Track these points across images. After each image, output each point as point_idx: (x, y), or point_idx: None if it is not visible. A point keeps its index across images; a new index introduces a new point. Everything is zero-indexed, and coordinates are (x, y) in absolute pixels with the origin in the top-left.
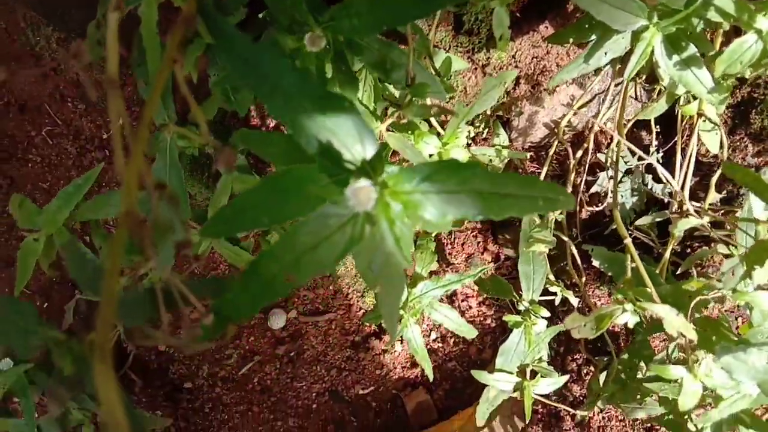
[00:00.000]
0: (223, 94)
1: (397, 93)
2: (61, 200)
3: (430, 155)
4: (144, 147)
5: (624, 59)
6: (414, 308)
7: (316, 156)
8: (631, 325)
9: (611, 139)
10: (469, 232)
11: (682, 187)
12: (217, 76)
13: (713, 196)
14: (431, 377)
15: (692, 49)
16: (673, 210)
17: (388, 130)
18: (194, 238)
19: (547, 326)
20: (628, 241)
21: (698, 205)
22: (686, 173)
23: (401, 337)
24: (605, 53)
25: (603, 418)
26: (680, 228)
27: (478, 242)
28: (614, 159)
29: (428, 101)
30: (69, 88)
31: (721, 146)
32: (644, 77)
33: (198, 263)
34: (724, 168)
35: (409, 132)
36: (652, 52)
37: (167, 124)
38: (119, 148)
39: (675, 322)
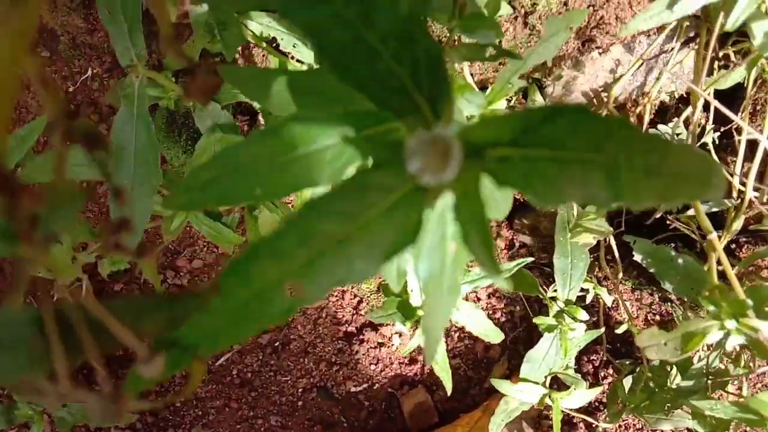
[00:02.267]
0: (207, 31)
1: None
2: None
3: (469, 118)
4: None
5: (705, 10)
6: None
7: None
8: (729, 348)
9: (656, 112)
10: None
11: (746, 173)
12: (202, 7)
13: None
14: (449, 391)
15: None
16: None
17: None
18: (164, 212)
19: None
20: (714, 236)
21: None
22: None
23: (399, 332)
24: None
25: (619, 426)
26: None
27: (492, 227)
28: (695, 128)
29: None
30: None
31: None
32: (704, 42)
33: (145, 257)
34: None
35: None
36: None
37: (135, 65)
38: None
39: None
